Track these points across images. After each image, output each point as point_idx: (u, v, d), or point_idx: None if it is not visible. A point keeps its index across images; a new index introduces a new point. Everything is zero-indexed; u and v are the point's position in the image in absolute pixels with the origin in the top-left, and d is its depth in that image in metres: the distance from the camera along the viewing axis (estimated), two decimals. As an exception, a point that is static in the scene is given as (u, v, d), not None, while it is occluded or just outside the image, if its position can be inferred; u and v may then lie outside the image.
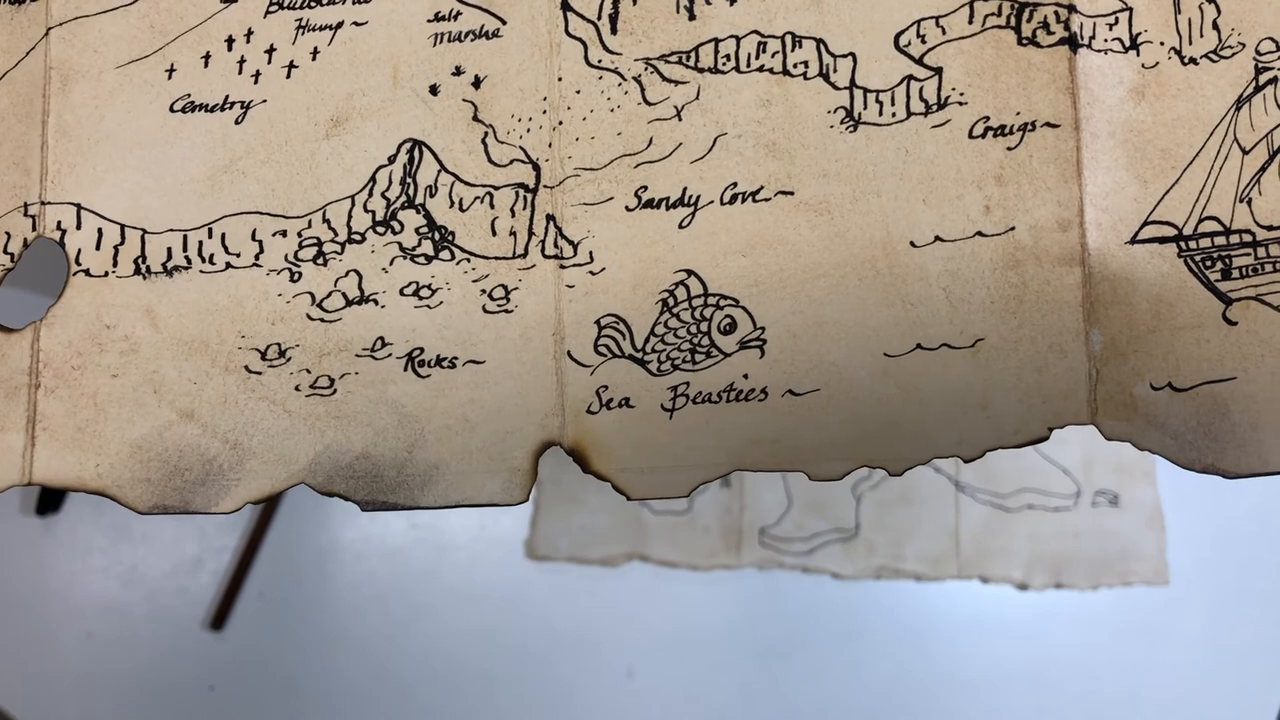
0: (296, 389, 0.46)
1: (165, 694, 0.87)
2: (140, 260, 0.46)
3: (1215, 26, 0.46)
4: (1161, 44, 0.46)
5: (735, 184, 0.46)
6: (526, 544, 0.94)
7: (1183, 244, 0.46)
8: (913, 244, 0.46)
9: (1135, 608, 0.91)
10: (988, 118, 0.46)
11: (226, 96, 0.47)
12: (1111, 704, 0.90)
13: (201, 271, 0.46)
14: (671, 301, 0.46)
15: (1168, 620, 0.90)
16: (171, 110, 0.47)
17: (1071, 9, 0.45)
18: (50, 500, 0.91)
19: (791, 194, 0.46)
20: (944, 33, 0.46)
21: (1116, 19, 0.45)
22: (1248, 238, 0.46)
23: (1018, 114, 0.45)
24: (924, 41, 0.46)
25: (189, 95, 0.47)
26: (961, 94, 0.46)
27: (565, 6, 0.47)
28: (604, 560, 0.93)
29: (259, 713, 0.87)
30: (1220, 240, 0.46)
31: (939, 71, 0.46)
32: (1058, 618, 0.92)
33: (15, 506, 0.90)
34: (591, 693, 0.89)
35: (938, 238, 0.46)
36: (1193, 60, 0.46)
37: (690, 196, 0.46)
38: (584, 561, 0.93)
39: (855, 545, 0.94)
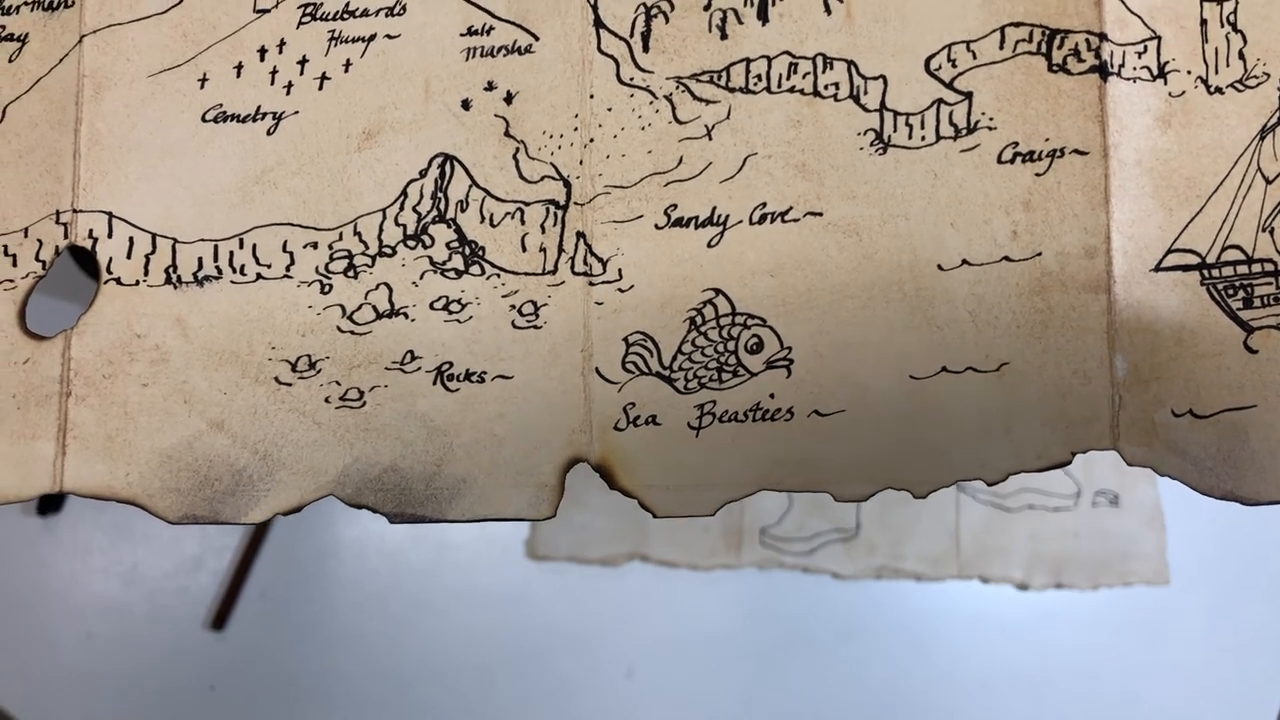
0: (326, 401, 0.46)
1: (165, 694, 0.87)
2: (171, 269, 0.46)
3: (1241, 56, 0.46)
4: (1189, 73, 0.46)
5: (764, 204, 0.47)
6: (527, 544, 0.94)
7: (1206, 272, 0.46)
8: (940, 267, 0.46)
9: (1135, 608, 0.92)
10: (1017, 143, 0.46)
11: (259, 107, 0.47)
12: (1111, 704, 0.91)
13: (232, 282, 0.46)
14: (699, 320, 0.46)
15: (1168, 620, 0.92)
16: (203, 120, 0.47)
17: (1103, 37, 0.45)
18: (50, 500, 0.90)
19: (820, 215, 0.47)
20: (975, 57, 0.46)
21: (1145, 47, 0.46)
22: (1269, 267, 0.46)
23: (1047, 140, 0.46)
24: (955, 66, 0.46)
25: (221, 105, 0.47)
26: (991, 119, 0.46)
27: (598, 23, 0.47)
28: (604, 560, 0.94)
29: (259, 713, 0.87)
30: (1243, 269, 0.46)
31: (969, 96, 0.46)
32: (1058, 618, 0.93)
33: (15, 506, 0.90)
34: (591, 693, 0.89)
35: (965, 261, 0.46)
36: (1218, 89, 0.46)
37: (719, 216, 0.47)
38: (584, 561, 0.94)
39: (855, 545, 0.95)
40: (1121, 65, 0.46)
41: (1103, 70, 0.45)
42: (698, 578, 0.93)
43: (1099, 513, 0.96)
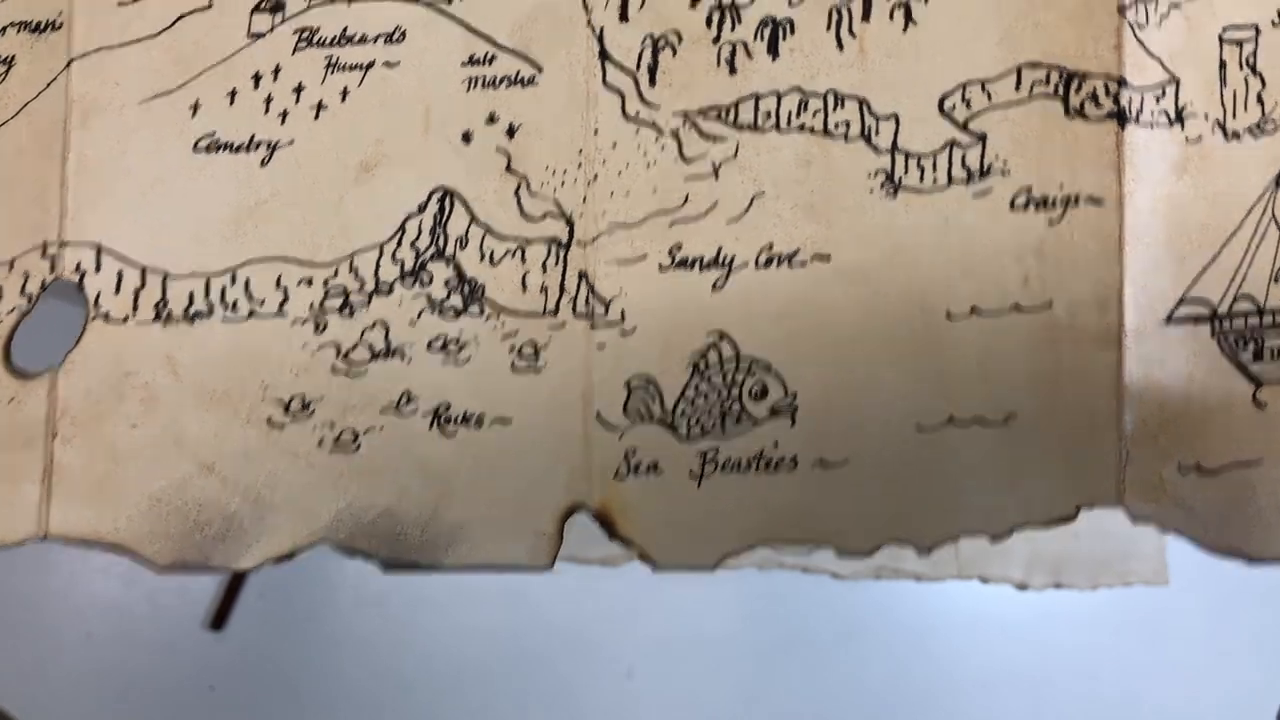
0: (320, 443, 0.45)
1: (165, 694, 0.87)
2: (161, 305, 0.45)
3: (1260, 100, 0.45)
4: (1206, 117, 0.45)
5: (771, 245, 0.46)
6: (528, 540, 0.94)
7: (1217, 324, 0.45)
8: (949, 314, 0.45)
9: (1135, 608, 0.91)
10: (1030, 189, 0.45)
11: (252, 136, 0.46)
12: (1111, 704, 0.91)
13: (224, 319, 0.45)
14: (703, 364, 0.45)
15: (1168, 620, 0.91)
16: (195, 149, 0.46)
17: (1121, 82, 0.44)
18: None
19: (828, 259, 0.45)
20: (990, 99, 0.45)
21: (1164, 91, 0.45)
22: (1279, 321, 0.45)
23: (1061, 187, 0.45)
24: (969, 107, 0.45)
25: (214, 133, 0.46)
26: (1005, 163, 0.45)
27: (603, 55, 0.45)
28: (604, 560, 0.93)
29: (259, 713, 0.87)
30: (1254, 321, 0.45)
31: (983, 139, 0.45)
32: (1058, 618, 0.92)
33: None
34: (591, 693, 0.89)
35: (974, 309, 0.45)
36: (1235, 134, 0.45)
37: (725, 257, 0.46)
38: (584, 561, 0.93)
39: (854, 546, 0.94)
40: (1140, 111, 0.44)
41: (1121, 117, 0.44)
42: (697, 578, 0.93)
43: (1098, 512, 0.96)
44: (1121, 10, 0.44)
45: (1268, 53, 0.45)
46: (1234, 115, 0.45)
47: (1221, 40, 0.45)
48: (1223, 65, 0.45)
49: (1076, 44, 0.44)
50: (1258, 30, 0.45)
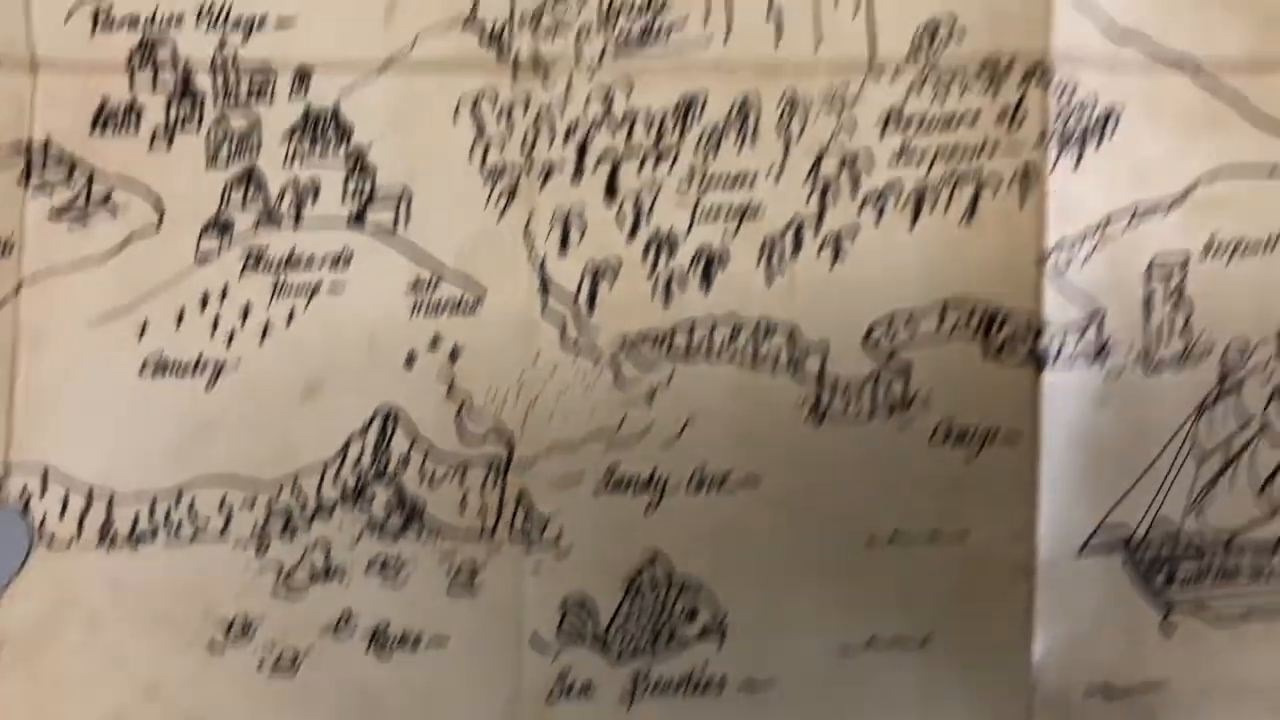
0: (259, 667, 0.46)
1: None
2: (106, 528, 0.46)
3: (1186, 329, 0.47)
4: (1130, 348, 0.47)
5: (704, 469, 0.47)
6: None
7: (1131, 551, 0.47)
8: (871, 540, 0.47)
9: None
10: (951, 423, 0.47)
11: (199, 358, 0.47)
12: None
13: (168, 542, 0.46)
14: (637, 585, 0.47)
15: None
16: (143, 370, 0.46)
17: (1041, 330, 0.46)
18: None
19: (758, 483, 0.47)
20: (914, 334, 0.47)
21: (1086, 328, 0.47)
22: (1194, 548, 0.47)
23: (980, 423, 0.47)
24: (894, 340, 0.47)
25: (161, 354, 0.47)
26: (927, 396, 0.47)
27: (545, 283, 0.47)
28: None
29: None
30: (1167, 549, 0.47)
31: (906, 372, 0.47)
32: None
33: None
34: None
35: (896, 536, 0.47)
36: (1159, 366, 0.47)
37: (659, 480, 0.47)
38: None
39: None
40: (1060, 352, 0.46)
41: (1039, 361, 0.46)
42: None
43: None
44: (1044, 256, 0.46)
45: (1195, 282, 0.47)
46: (1158, 346, 0.47)
47: (1148, 272, 0.47)
48: (1148, 297, 0.47)
49: (999, 286, 0.46)
50: (1186, 260, 0.47)
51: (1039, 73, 0.45)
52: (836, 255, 0.47)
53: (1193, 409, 0.47)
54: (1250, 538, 0.47)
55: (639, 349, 0.47)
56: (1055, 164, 0.45)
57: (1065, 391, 0.46)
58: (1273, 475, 0.48)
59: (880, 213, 0.46)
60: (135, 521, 0.46)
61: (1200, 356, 0.47)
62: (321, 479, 0.47)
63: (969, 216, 0.46)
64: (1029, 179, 0.45)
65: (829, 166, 0.46)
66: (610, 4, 0.46)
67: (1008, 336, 0.46)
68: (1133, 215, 0.46)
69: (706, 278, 0.47)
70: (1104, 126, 0.46)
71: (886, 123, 0.46)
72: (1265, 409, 0.47)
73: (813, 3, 0.46)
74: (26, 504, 0.46)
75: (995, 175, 0.45)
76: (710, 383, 0.47)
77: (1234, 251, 0.47)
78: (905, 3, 0.45)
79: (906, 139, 0.46)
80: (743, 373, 0.47)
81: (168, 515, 0.46)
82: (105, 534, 0.46)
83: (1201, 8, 0.46)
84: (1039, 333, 0.46)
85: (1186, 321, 0.47)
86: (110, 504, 0.46)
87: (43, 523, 0.46)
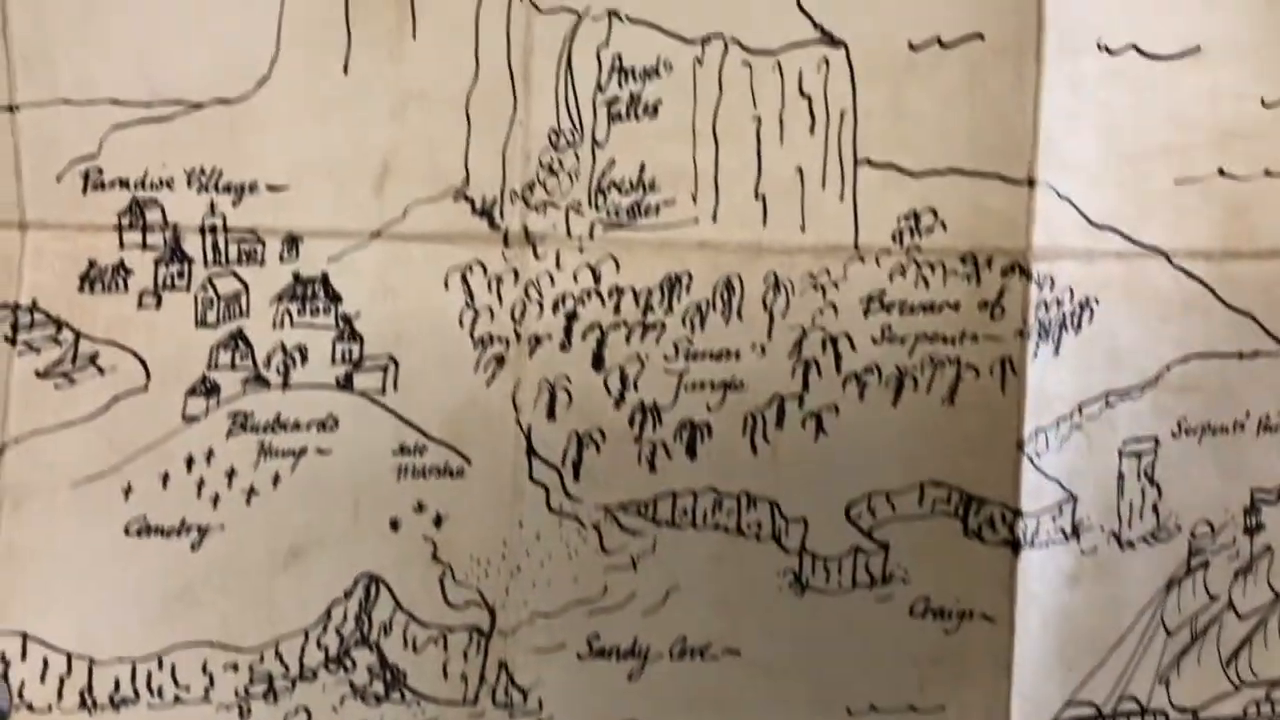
0: (237, 837, 0.46)
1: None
2: (86, 692, 0.46)
3: (1155, 510, 0.48)
4: (1102, 529, 0.48)
5: (685, 638, 0.48)
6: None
7: (1099, 725, 0.48)
8: (849, 711, 0.48)
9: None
10: (929, 599, 0.48)
11: (183, 520, 0.47)
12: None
13: (150, 706, 0.46)
14: (616, 754, 0.47)
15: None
16: (126, 533, 0.46)
17: (1018, 513, 0.47)
18: None
19: (738, 653, 0.48)
20: (894, 510, 0.48)
21: (1061, 509, 0.48)
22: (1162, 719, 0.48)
23: (957, 600, 0.48)
24: (874, 516, 0.48)
25: (145, 517, 0.47)
26: (906, 572, 0.48)
27: (530, 451, 0.47)
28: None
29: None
30: (1135, 721, 0.48)
31: (886, 547, 0.48)
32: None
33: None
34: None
35: (872, 707, 0.48)
36: (1130, 543, 0.48)
37: (641, 648, 0.48)
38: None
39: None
40: (1035, 535, 0.47)
41: (1015, 545, 0.47)
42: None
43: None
44: (1020, 445, 0.47)
45: (1165, 463, 0.48)
46: (1129, 525, 0.48)
47: (1121, 453, 0.48)
48: (1121, 477, 0.48)
49: (977, 471, 0.47)
50: (1157, 442, 0.48)
51: (1019, 268, 0.46)
52: (819, 429, 0.47)
53: (1161, 586, 0.48)
54: (1215, 713, 0.48)
55: (623, 516, 0.48)
56: (1035, 354, 0.46)
57: (1040, 571, 0.47)
58: (1238, 650, 0.49)
59: (862, 391, 0.47)
60: (116, 686, 0.46)
61: (1169, 535, 0.48)
62: (304, 646, 0.47)
63: (950, 399, 0.47)
64: (1008, 368, 0.46)
65: (812, 344, 0.47)
66: (600, 181, 0.46)
67: (985, 519, 0.47)
68: (1106, 401, 0.47)
69: (691, 449, 0.48)
70: (1080, 315, 0.47)
71: (869, 305, 0.47)
72: (1231, 586, 0.48)
73: (799, 187, 0.46)
74: (5, 669, 0.46)
75: (976, 362, 0.46)
76: (693, 551, 0.48)
77: (1203, 433, 0.48)
78: (888, 191, 0.46)
79: (889, 321, 0.47)
80: (725, 541, 0.48)
81: (149, 679, 0.46)
82: (85, 699, 0.46)
83: (1173, 201, 0.47)
84: (1017, 515, 0.47)
85: (1156, 502, 0.48)
86: (90, 669, 0.46)
87: (22, 688, 0.46)
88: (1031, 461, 0.47)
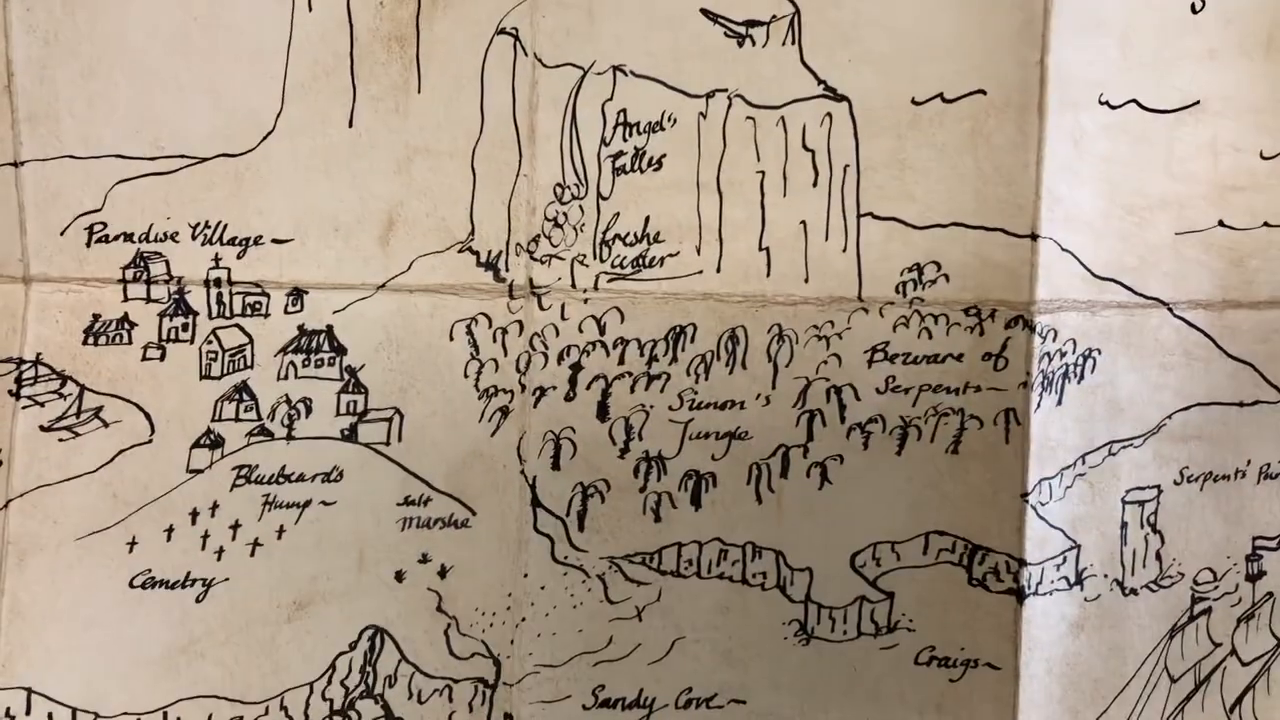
0: None
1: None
2: (92, 748, 0.46)
3: (1158, 557, 0.48)
4: (1105, 576, 0.48)
5: (690, 689, 0.48)
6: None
7: (1105, 774, 0.48)
8: (856, 761, 0.48)
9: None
10: (934, 648, 0.48)
11: (188, 573, 0.47)
12: None
13: (154, 760, 0.46)
14: (622, 805, 0.47)
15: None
16: (131, 586, 0.46)
17: (1022, 562, 0.47)
18: None
19: (744, 703, 0.48)
20: (898, 559, 0.48)
21: (1065, 558, 0.48)
22: (1167, 766, 0.49)
23: (962, 649, 0.48)
24: (879, 565, 0.48)
25: (150, 570, 0.47)
26: (911, 621, 0.48)
27: (535, 502, 0.47)
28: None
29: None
30: (1140, 772, 0.48)
31: (890, 596, 0.48)
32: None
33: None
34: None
35: (880, 758, 0.48)
36: (1133, 591, 0.49)
37: (646, 699, 0.48)
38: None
39: None
40: (1039, 584, 0.47)
41: (1019, 594, 0.47)
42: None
43: None
44: (1026, 493, 0.47)
45: (1168, 511, 0.49)
46: (1133, 573, 0.49)
47: (1124, 502, 0.48)
48: (1124, 526, 0.48)
49: (981, 521, 0.47)
50: (1159, 490, 0.49)
51: (1023, 320, 0.46)
52: (824, 479, 0.48)
53: (1165, 633, 0.49)
54: (1220, 761, 0.49)
55: (628, 566, 0.48)
56: (1038, 404, 0.46)
57: (1044, 619, 0.47)
58: (1241, 696, 0.49)
59: (867, 441, 0.47)
60: (121, 741, 0.46)
61: (1172, 582, 0.48)
62: (309, 699, 0.47)
63: (954, 448, 0.47)
64: (1012, 419, 0.46)
65: (816, 395, 0.47)
66: (605, 234, 0.47)
67: (990, 568, 0.47)
68: (1109, 450, 0.47)
69: (696, 499, 0.48)
70: (1083, 366, 0.47)
71: (873, 356, 0.47)
72: (1234, 632, 0.49)
73: (802, 239, 0.47)
74: (10, 727, 0.45)
75: (980, 412, 0.47)
76: (698, 601, 0.48)
77: (1204, 481, 0.48)
78: (892, 244, 0.46)
79: (893, 372, 0.47)
80: (731, 591, 0.48)
81: (154, 734, 0.46)
82: (90, 755, 0.46)
83: (1174, 252, 0.47)
84: (1021, 565, 0.47)
85: (1159, 549, 0.48)
86: (95, 723, 0.46)
87: (26, 746, 0.46)
88: (1035, 510, 0.47)
